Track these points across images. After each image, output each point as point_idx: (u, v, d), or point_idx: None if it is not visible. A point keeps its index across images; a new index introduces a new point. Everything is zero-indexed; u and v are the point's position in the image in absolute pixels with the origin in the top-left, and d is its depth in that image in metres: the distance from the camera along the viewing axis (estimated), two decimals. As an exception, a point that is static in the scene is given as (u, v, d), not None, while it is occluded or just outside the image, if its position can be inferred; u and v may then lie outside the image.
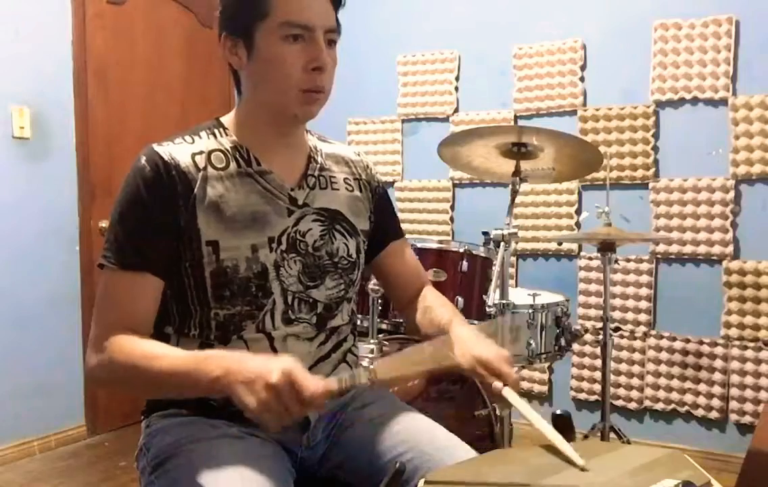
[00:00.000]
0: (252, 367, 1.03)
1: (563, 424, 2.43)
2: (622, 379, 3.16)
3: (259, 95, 1.24)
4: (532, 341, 2.19)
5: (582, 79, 3.23)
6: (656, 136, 3.07)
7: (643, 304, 3.11)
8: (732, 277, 2.92)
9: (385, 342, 2.05)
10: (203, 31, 3.86)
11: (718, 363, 2.95)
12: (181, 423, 1.21)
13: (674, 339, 3.05)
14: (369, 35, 3.56)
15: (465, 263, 2.16)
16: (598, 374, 3.18)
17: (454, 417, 1.94)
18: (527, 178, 1.99)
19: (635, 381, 3.13)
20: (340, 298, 1.31)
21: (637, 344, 3.13)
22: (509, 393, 1.19)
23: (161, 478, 1.15)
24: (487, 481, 0.98)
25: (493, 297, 1.81)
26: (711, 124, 2.95)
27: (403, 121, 3.69)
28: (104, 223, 3.29)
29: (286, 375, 1.00)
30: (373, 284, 1.92)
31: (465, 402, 1.97)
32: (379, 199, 1.44)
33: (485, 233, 2.17)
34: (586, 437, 2.59)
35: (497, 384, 1.19)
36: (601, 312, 2.77)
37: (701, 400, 3.00)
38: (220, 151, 1.23)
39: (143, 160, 1.18)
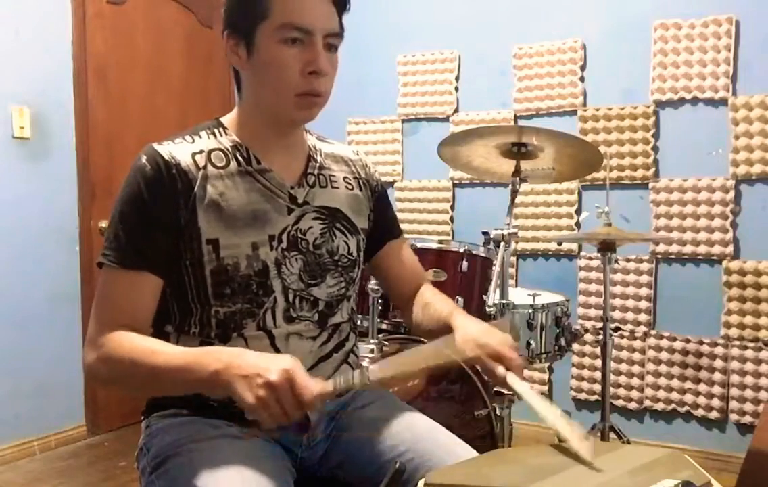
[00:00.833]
0: (252, 362, 1.03)
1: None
2: (622, 379, 3.16)
3: (258, 96, 1.24)
4: (532, 341, 2.19)
5: (582, 79, 3.23)
6: (656, 136, 3.07)
7: (643, 304, 3.11)
8: (732, 277, 2.92)
9: (385, 342, 2.05)
10: (203, 31, 3.86)
11: (718, 363, 2.95)
12: (181, 423, 1.21)
13: (674, 339, 3.05)
14: (369, 35, 3.56)
15: (465, 263, 2.16)
16: (598, 374, 3.18)
17: (454, 417, 1.94)
18: (527, 178, 1.99)
19: (635, 381, 3.13)
20: (340, 296, 1.31)
21: (637, 344, 3.13)
22: (513, 379, 1.18)
23: (161, 478, 1.15)
24: (487, 481, 0.98)
25: (493, 297, 1.81)
26: (711, 124, 2.95)
27: (403, 121, 3.69)
28: (104, 223, 3.28)
29: (285, 374, 1.00)
30: (373, 283, 1.92)
31: (465, 402, 1.97)
32: (378, 198, 1.44)
33: (485, 233, 2.17)
34: (586, 437, 2.58)
35: (501, 370, 1.19)
36: (601, 312, 2.77)
37: (701, 400, 3.00)
38: (220, 150, 1.24)
39: (144, 159, 1.18)
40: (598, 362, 3.15)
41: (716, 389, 2.96)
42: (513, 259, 3.37)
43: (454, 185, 3.56)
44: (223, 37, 1.23)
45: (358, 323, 1.50)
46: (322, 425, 1.30)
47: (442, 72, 3.56)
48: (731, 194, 2.91)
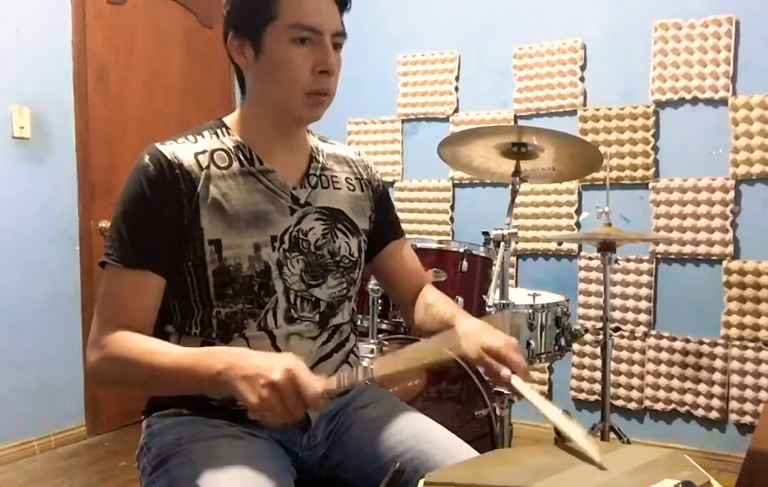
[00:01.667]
0: (254, 363, 1.03)
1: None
2: (622, 379, 3.16)
3: (265, 96, 1.24)
4: (532, 341, 2.19)
5: (582, 79, 3.23)
6: (656, 136, 3.07)
7: (643, 304, 3.11)
8: (732, 277, 2.92)
9: (385, 342, 2.05)
10: (203, 31, 3.86)
11: (718, 363, 2.95)
12: (181, 423, 1.21)
13: (674, 339, 3.05)
14: (369, 35, 3.56)
15: (465, 263, 2.17)
16: (598, 374, 3.18)
17: (454, 417, 1.94)
18: (527, 178, 1.99)
19: (635, 381, 3.13)
20: (342, 296, 1.31)
21: (637, 344, 3.13)
22: (517, 382, 1.18)
23: (162, 477, 1.15)
24: (487, 481, 0.98)
25: (493, 297, 1.80)
26: (711, 124, 2.95)
27: (403, 121, 3.69)
28: (104, 223, 3.29)
29: (288, 373, 1.00)
30: (373, 284, 1.92)
31: (465, 402, 1.97)
32: (379, 198, 1.44)
33: (485, 233, 2.17)
34: (587, 437, 2.58)
35: (505, 372, 1.19)
36: (601, 312, 2.77)
37: (701, 400, 3.00)
38: (223, 150, 1.24)
39: (146, 158, 1.18)
40: (598, 362, 3.15)
41: (716, 389, 2.96)
42: (513, 259, 3.37)
43: (454, 185, 3.56)
44: (226, 40, 1.23)
45: (358, 323, 1.50)
46: (322, 425, 1.30)
47: (442, 72, 3.56)
48: (731, 194, 2.91)
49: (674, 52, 3.00)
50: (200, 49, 3.84)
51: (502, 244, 1.79)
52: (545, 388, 3.34)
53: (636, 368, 3.14)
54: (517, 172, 1.95)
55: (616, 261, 3.06)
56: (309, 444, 1.28)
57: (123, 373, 1.15)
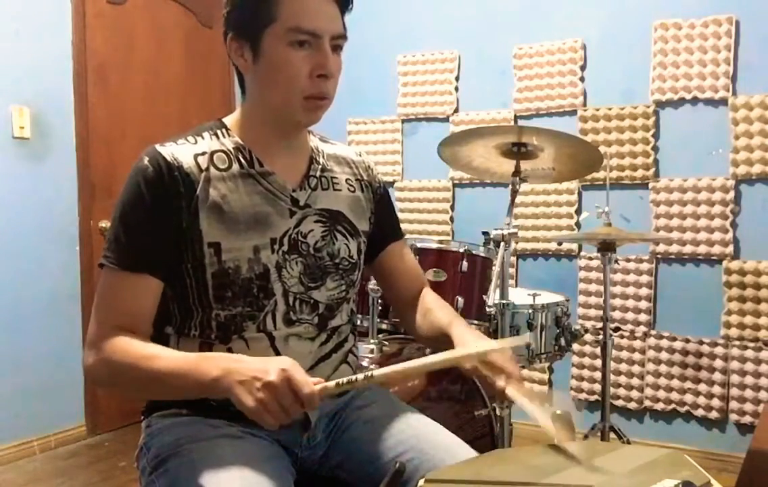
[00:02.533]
0: (250, 366, 1.04)
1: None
2: (622, 379, 3.16)
3: (263, 99, 1.24)
4: (532, 341, 2.19)
5: (582, 79, 3.23)
6: (656, 136, 3.07)
7: (643, 304, 3.11)
8: (732, 277, 2.92)
9: (385, 342, 2.05)
10: (203, 31, 3.86)
11: (718, 363, 2.95)
12: (181, 423, 1.21)
13: (674, 339, 3.05)
14: (369, 35, 3.56)
15: (465, 263, 2.16)
16: (598, 374, 3.18)
17: (454, 417, 1.94)
18: (527, 178, 1.99)
19: (635, 381, 3.13)
20: (340, 298, 1.31)
21: (637, 344, 3.13)
22: (512, 392, 1.19)
23: (161, 477, 1.15)
24: (487, 481, 0.98)
25: (493, 297, 1.80)
26: (711, 124, 2.95)
27: (403, 121, 3.69)
28: (104, 223, 3.29)
29: (283, 374, 1.00)
30: (373, 284, 1.92)
31: (465, 402, 1.97)
32: (380, 199, 1.44)
33: (485, 233, 2.17)
34: (586, 437, 2.59)
35: (501, 382, 1.19)
36: (601, 312, 2.77)
37: (701, 400, 3.00)
38: (223, 151, 1.23)
39: (146, 160, 1.18)
40: (598, 362, 3.15)
41: (716, 389, 2.96)
42: (513, 259, 3.37)
43: (454, 185, 3.56)
44: (225, 40, 1.23)
45: (358, 323, 1.50)
46: (322, 425, 1.30)
47: (442, 72, 3.56)
48: (731, 194, 2.91)
49: (674, 52, 3.00)
50: (200, 49, 3.84)
51: (502, 244, 1.78)
52: (545, 388, 3.34)
53: (636, 368, 3.13)
54: (517, 172, 1.95)
55: (616, 261, 3.06)
56: (309, 444, 1.28)
57: (120, 376, 1.15)
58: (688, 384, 3.03)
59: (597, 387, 3.19)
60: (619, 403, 3.16)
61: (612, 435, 2.56)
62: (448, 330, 1.33)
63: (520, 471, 1.00)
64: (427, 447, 1.22)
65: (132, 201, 1.17)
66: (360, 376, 1.06)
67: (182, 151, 1.20)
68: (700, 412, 3.00)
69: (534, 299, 2.23)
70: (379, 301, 2.03)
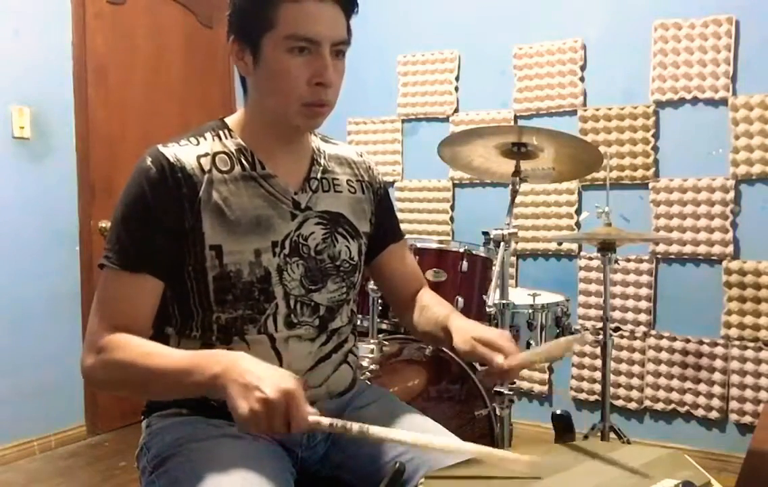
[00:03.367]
0: (253, 372, 1.01)
1: (563, 424, 2.43)
2: (622, 379, 3.16)
3: (263, 103, 1.23)
4: (532, 341, 2.19)
5: (582, 79, 3.23)
6: (656, 136, 3.07)
7: (643, 304, 3.11)
8: (732, 277, 2.92)
9: (385, 342, 2.05)
10: (203, 31, 3.86)
11: (718, 363, 2.95)
12: (181, 423, 1.21)
13: (674, 339, 3.05)
14: (369, 35, 3.56)
15: (465, 263, 2.17)
16: (598, 374, 3.18)
17: (454, 417, 1.94)
18: (527, 178, 1.99)
19: (635, 381, 3.13)
20: (341, 300, 1.31)
21: (637, 344, 3.13)
22: (514, 359, 1.17)
23: (162, 477, 1.15)
24: (487, 481, 0.98)
25: (493, 297, 1.80)
26: (711, 124, 2.95)
27: (403, 121, 3.69)
28: (104, 224, 3.29)
29: (284, 397, 0.98)
30: (373, 284, 1.92)
31: (465, 402, 1.97)
32: (380, 200, 1.43)
33: (485, 233, 2.17)
34: (586, 437, 2.59)
35: (499, 359, 1.18)
36: (601, 312, 2.77)
37: (701, 400, 3.00)
38: (225, 153, 1.23)
39: (148, 161, 1.17)
40: (598, 362, 3.15)
41: (716, 389, 2.96)
42: (513, 259, 3.37)
43: (454, 185, 3.56)
44: (228, 42, 1.22)
45: (358, 323, 1.50)
46: (322, 425, 1.30)
47: (442, 72, 3.56)
48: (731, 194, 2.91)
49: (674, 52, 3.00)
50: (200, 49, 3.84)
51: (502, 244, 1.79)
52: (545, 388, 3.34)
53: (636, 368, 3.14)
54: (517, 172, 1.95)
55: (616, 261, 3.06)
56: (309, 444, 1.28)
57: (119, 376, 1.15)
58: (688, 384, 3.03)
59: (597, 387, 3.19)
60: (619, 403, 3.16)
61: (612, 435, 2.56)
62: (445, 322, 1.32)
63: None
64: (428, 447, 1.21)
65: (134, 201, 1.17)
66: (356, 426, 1.03)
67: (185, 152, 1.19)
68: (700, 412, 3.00)
69: (534, 299, 2.23)
70: (379, 301, 2.03)
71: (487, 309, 1.84)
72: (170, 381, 1.11)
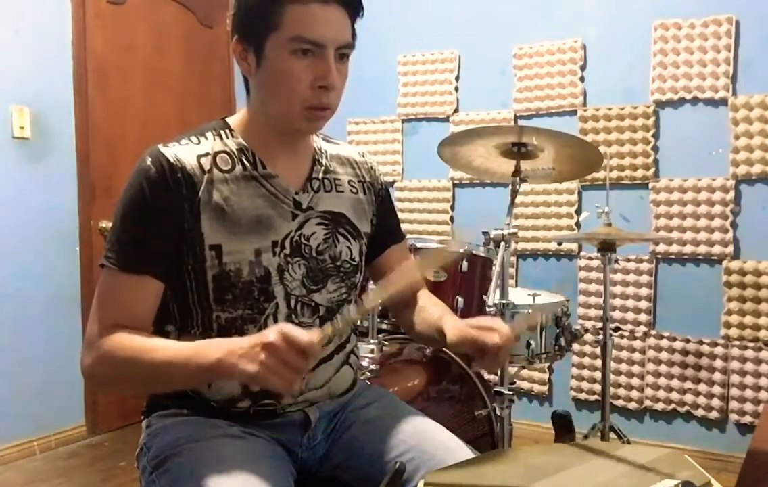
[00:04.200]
0: (248, 339, 1.04)
1: (563, 424, 2.43)
2: (622, 379, 3.16)
3: (265, 105, 1.23)
4: (532, 341, 2.19)
5: (582, 79, 3.23)
6: (656, 136, 3.07)
7: (643, 304, 3.11)
8: (732, 277, 2.92)
9: (385, 342, 2.05)
10: (203, 31, 3.86)
11: (718, 363, 2.95)
12: (181, 422, 1.21)
13: (674, 339, 3.05)
14: (369, 35, 3.53)
15: (465, 263, 2.16)
16: (598, 374, 3.18)
17: (454, 417, 1.94)
18: (527, 178, 1.99)
19: (635, 381, 3.13)
20: (341, 301, 1.31)
21: (637, 344, 3.13)
22: (509, 328, 1.17)
23: (162, 477, 1.15)
24: (487, 481, 0.98)
25: (493, 297, 1.80)
26: (711, 124, 2.95)
27: (403, 121, 3.69)
28: (104, 224, 3.29)
29: (279, 332, 1.00)
30: (373, 284, 1.92)
31: (465, 402, 1.97)
32: (382, 201, 1.44)
33: (485, 233, 2.17)
34: (586, 437, 2.59)
35: (491, 337, 1.17)
36: (601, 312, 2.77)
37: (701, 400, 3.00)
38: (226, 152, 1.23)
39: (149, 161, 1.17)
40: (598, 362, 3.15)
41: (716, 389, 2.96)
42: (513, 259, 3.37)
43: (454, 185, 3.56)
44: (231, 41, 1.22)
45: (359, 323, 1.50)
46: (322, 426, 1.30)
47: (442, 72, 3.56)
48: (731, 194, 2.91)
49: (674, 52, 3.00)
50: (200, 49, 3.84)
51: (502, 244, 1.79)
52: (545, 388, 3.34)
53: (636, 368, 3.14)
54: (517, 172, 1.95)
55: (616, 261, 3.06)
56: (309, 444, 1.28)
57: (120, 372, 1.15)
58: (688, 384, 3.03)
59: (597, 387, 3.19)
60: (619, 403, 3.16)
61: (612, 435, 2.56)
62: (439, 323, 1.33)
63: (520, 471, 1.00)
64: (427, 447, 1.22)
65: (134, 202, 1.17)
66: (352, 310, 1.06)
67: (185, 152, 1.19)
68: (700, 412, 3.00)
69: (534, 299, 2.23)
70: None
71: (487, 309, 1.84)
72: (173, 373, 1.11)
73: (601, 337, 2.58)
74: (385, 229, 1.45)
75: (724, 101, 2.92)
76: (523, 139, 1.92)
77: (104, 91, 3.39)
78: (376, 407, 1.33)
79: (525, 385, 3.34)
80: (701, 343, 2.99)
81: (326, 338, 1.05)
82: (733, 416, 2.93)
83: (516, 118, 3.39)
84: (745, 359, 2.91)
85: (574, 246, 3.26)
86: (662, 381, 3.08)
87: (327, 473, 1.30)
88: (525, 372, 3.31)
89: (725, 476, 2.69)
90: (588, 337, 3.20)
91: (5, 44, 3.01)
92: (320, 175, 1.31)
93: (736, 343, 2.92)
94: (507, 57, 3.39)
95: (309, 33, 1.14)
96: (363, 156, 1.44)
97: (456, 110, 3.54)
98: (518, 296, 2.30)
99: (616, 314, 3.15)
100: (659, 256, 3.09)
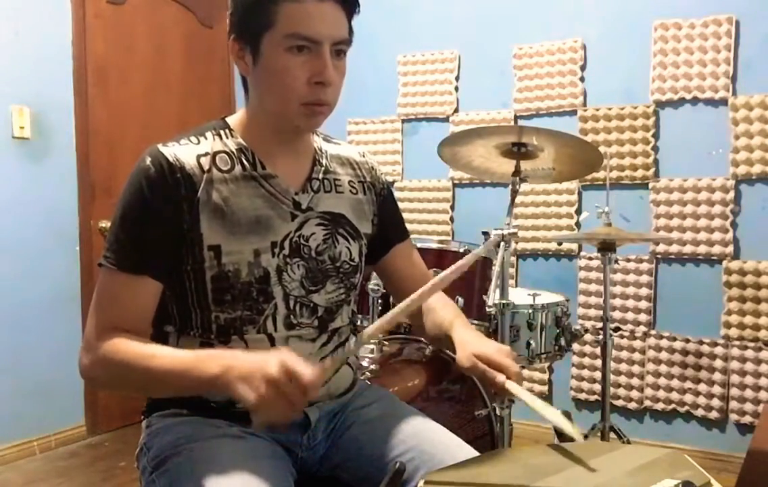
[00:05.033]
0: (249, 362, 1.03)
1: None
2: (622, 379, 3.16)
3: (263, 103, 1.23)
4: (532, 341, 2.19)
5: (582, 79, 3.23)
6: (656, 136, 3.07)
7: (643, 304, 3.11)
8: (732, 277, 2.92)
9: (385, 342, 2.05)
10: (203, 31, 3.86)
11: (718, 363, 2.95)
12: (181, 423, 1.21)
13: (674, 339, 3.05)
14: (369, 35, 3.56)
15: (465, 263, 2.16)
16: (598, 374, 3.18)
17: (454, 417, 1.94)
18: (527, 178, 1.99)
19: (635, 381, 3.13)
20: (340, 301, 1.31)
21: (637, 344, 3.13)
22: (512, 385, 1.19)
23: (162, 477, 1.15)
24: (487, 481, 0.98)
25: (493, 297, 1.80)
26: (711, 124, 2.95)
27: (403, 121, 3.69)
28: (104, 224, 3.29)
29: (283, 366, 1.00)
30: (372, 284, 1.92)
31: (465, 402, 1.97)
32: (383, 201, 1.43)
33: (485, 233, 2.17)
34: (586, 437, 2.59)
35: (500, 378, 1.19)
36: (601, 312, 2.77)
37: (701, 400, 3.00)
38: (225, 152, 1.23)
39: (148, 160, 1.17)
40: (598, 362, 3.15)
41: (716, 389, 2.96)
42: (513, 259, 3.37)
43: (454, 185, 3.56)
44: (228, 41, 1.22)
45: (359, 323, 1.50)
46: (322, 425, 1.30)
47: (442, 72, 3.56)
48: (731, 194, 2.91)
49: (674, 52, 3.00)
50: (200, 49, 3.84)
51: (502, 244, 1.78)
52: (545, 388, 3.34)
53: (636, 368, 3.14)
54: (517, 172, 1.95)
55: (616, 261, 3.07)
56: (309, 444, 1.28)
57: (118, 376, 1.15)
58: (688, 384, 3.03)
59: (597, 387, 3.19)
60: (619, 403, 3.16)
61: (612, 435, 2.56)
62: (449, 331, 1.33)
63: (520, 471, 1.00)
64: (427, 447, 1.22)
65: (133, 201, 1.16)
66: (352, 344, 1.06)
67: (185, 152, 1.19)
68: (700, 412, 3.00)
69: (534, 299, 2.23)
70: (379, 301, 2.03)
71: (487, 309, 1.84)
72: (169, 383, 1.12)
73: (601, 337, 2.58)
74: (389, 229, 1.44)
75: (724, 101, 2.92)
76: (523, 139, 1.92)
77: (104, 91, 3.39)
78: (376, 407, 1.33)
79: (525, 385, 3.33)
80: (701, 343, 2.99)
81: (329, 376, 1.05)
82: (733, 416, 2.93)
83: (516, 118, 3.39)
84: (745, 359, 2.91)
85: (574, 246, 3.26)
86: (662, 381, 3.08)
87: (327, 473, 1.30)
88: (525, 372, 3.31)
89: (725, 476, 2.69)
90: (588, 337, 3.20)
91: (5, 44, 3.01)
92: (320, 176, 1.31)
93: (736, 343, 2.92)
94: (507, 57, 3.39)
95: (304, 29, 1.14)
96: (363, 156, 1.44)
97: (456, 110, 3.54)
98: (518, 296, 2.30)
99: (616, 314, 3.15)
100: (659, 256, 3.09)
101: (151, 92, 3.60)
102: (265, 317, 1.21)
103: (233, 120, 1.28)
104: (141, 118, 3.54)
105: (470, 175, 3.30)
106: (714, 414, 2.96)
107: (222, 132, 1.25)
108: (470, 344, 1.26)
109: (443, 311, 1.41)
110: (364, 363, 1.88)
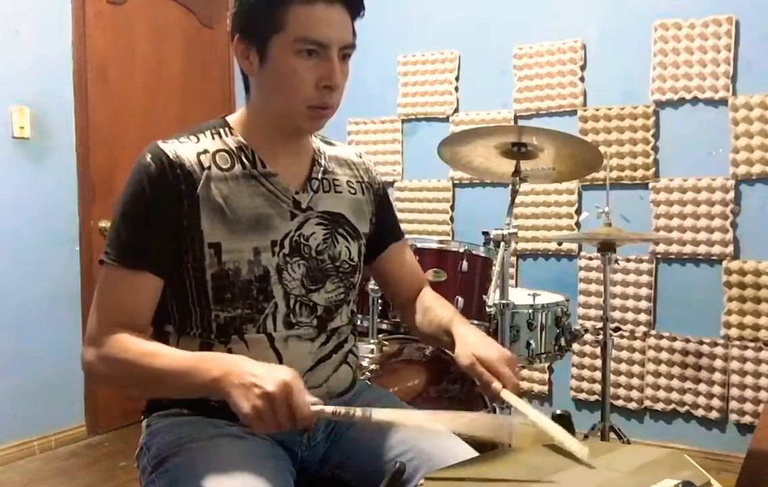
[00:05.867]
0: (251, 371, 1.03)
1: (563, 424, 2.43)
2: (622, 379, 3.16)
3: (267, 104, 1.23)
4: (532, 341, 2.19)
5: (582, 79, 3.23)
6: (656, 136, 3.07)
7: (643, 304, 3.11)
8: (732, 277, 2.92)
9: (385, 342, 2.05)
10: (203, 31, 3.86)
11: (718, 363, 2.95)
12: (181, 422, 1.21)
13: (674, 339, 3.05)
14: (369, 35, 3.54)
15: (465, 263, 2.16)
16: (598, 374, 3.18)
17: (455, 417, 1.94)
18: (527, 178, 1.99)
19: (635, 381, 3.13)
20: (339, 301, 1.31)
21: (637, 344, 3.13)
22: (507, 395, 1.19)
23: (162, 477, 1.15)
24: (487, 481, 0.98)
25: (493, 297, 1.81)
26: (711, 124, 2.95)
27: (403, 121, 3.69)
28: (104, 223, 3.29)
29: (284, 388, 1.00)
30: (373, 284, 1.92)
31: (465, 402, 1.97)
32: (380, 200, 1.44)
33: (485, 233, 2.17)
34: (586, 437, 2.59)
35: (496, 385, 1.19)
36: (601, 312, 2.77)
37: (701, 400, 3.00)
38: (225, 151, 1.23)
39: (148, 157, 1.17)
40: (598, 362, 3.15)
41: (716, 389, 2.96)
42: (513, 259, 3.37)
43: (454, 185, 3.56)
44: (232, 40, 1.22)
45: (359, 323, 1.50)
46: (322, 425, 1.30)
47: (442, 72, 3.56)
48: (731, 194, 2.91)
49: (674, 52, 3.00)
50: (200, 49, 3.84)
51: (502, 244, 1.79)
52: (545, 388, 3.34)
53: (636, 368, 3.14)
54: (517, 172, 1.95)
55: (616, 261, 3.07)
56: (309, 444, 1.28)
57: (119, 373, 1.15)
58: (688, 384, 3.03)
59: (597, 387, 3.19)
60: (619, 403, 3.16)
61: (612, 435, 2.56)
62: (449, 327, 1.33)
63: (520, 471, 1.00)
64: (427, 447, 1.21)
65: (134, 198, 1.17)
66: (359, 412, 1.04)
67: (185, 149, 1.19)
68: (700, 412, 3.00)
69: (534, 299, 2.23)
70: (379, 301, 2.03)
71: (487, 309, 1.85)
72: (169, 383, 1.12)
73: (601, 337, 2.58)
74: (385, 229, 1.45)
75: (724, 101, 2.92)
76: (523, 139, 1.92)
77: (104, 91, 3.39)
78: (377, 407, 1.33)
79: (525, 385, 3.34)
80: (701, 343, 2.99)
81: (324, 420, 1.04)
82: (733, 416, 2.93)
83: (516, 118, 3.39)
84: (745, 359, 2.91)
85: (574, 246, 3.26)
86: (662, 381, 3.08)
87: (327, 473, 1.30)
88: (525, 372, 3.31)
89: (725, 476, 2.69)
90: (588, 337, 3.20)
91: (5, 44, 3.01)
92: (319, 176, 1.31)
93: (736, 343, 2.92)
94: (507, 57, 3.39)
95: (314, 34, 1.14)
96: (360, 156, 1.45)
97: (456, 110, 3.54)
98: (518, 296, 2.30)
99: (616, 314, 3.15)
100: (659, 256, 3.09)
101: (151, 92, 3.60)
102: (265, 316, 1.21)
103: (233, 119, 1.28)
104: (141, 117, 3.54)
105: (470, 175, 3.30)
106: (714, 414, 2.96)
107: (222, 130, 1.25)
108: (472, 342, 1.26)
109: (440, 309, 1.41)
110: (364, 363, 1.88)
